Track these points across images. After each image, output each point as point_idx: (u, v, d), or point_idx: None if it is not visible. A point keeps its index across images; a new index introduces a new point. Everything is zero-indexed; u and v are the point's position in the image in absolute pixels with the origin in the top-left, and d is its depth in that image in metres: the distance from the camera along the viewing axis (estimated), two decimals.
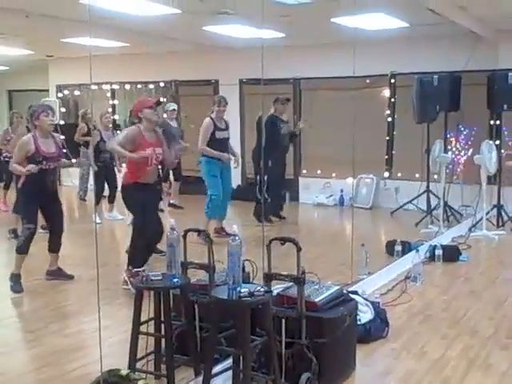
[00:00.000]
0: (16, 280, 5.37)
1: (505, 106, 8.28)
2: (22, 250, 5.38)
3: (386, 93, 10.17)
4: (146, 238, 5.27)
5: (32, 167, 5.21)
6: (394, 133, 10.12)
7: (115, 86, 12.36)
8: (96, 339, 3.30)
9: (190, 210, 8.84)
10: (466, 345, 4.23)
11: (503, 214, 8.40)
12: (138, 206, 5.25)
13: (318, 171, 10.61)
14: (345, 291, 4.13)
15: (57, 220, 5.68)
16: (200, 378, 3.24)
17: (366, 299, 4.50)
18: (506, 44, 8.86)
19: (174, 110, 9.22)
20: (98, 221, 8.16)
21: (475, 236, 7.69)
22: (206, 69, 10.89)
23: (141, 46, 10.32)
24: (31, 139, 5.37)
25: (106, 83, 12.12)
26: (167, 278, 3.44)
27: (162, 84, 11.79)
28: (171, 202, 9.53)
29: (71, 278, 5.74)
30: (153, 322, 3.52)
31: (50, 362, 3.88)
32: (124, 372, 3.16)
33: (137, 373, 3.29)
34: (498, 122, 8.93)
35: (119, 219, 8.58)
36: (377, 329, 4.31)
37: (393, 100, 10.11)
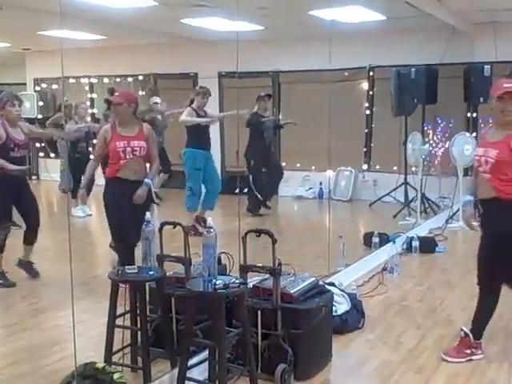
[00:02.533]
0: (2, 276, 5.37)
1: (481, 99, 8.34)
2: (2, 249, 5.37)
3: (365, 85, 10.21)
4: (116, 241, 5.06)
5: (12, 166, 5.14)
6: (373, 125, 10.17)
7: (93, 80, 12.26)
8: (72, 333, 3.29)
9: (171, 204, 8.81)
10: (440, 334, 4.29)
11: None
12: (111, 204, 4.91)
13: (298, 164, 10.63)
14: (321, 283, 4.16)
15: (32, 214, 5.54)
16: (176, 370, 3.25)
17: (342, 290, 4.54)
18: (482, 37, 8.94)
19: (156, 103, 9.19)
20: (80, 214, 8.11)
21: (452, 228, 7.77)
22: (184, 62, 10.84)
23: (118, 39, 10.25)
24: (0, 127, 5.27)
25: (84, 77, 12.02)
26: (143, 271, 3.44)
27: (140, 77, 11.72)
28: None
29: (36, 275, 5.54)
30: (129, 315, 3.53)
31: (25, 356, 3.86)
32: (100, 365, 3.15)
33: (113, 366, 3.29)
34: (474, 115, 9.02)
35: (88, 214, 8.45)
36: (353, 320, 4.34)
37: (371, 93, 10.15)
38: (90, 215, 8.38)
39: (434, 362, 3.84)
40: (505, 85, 3.63)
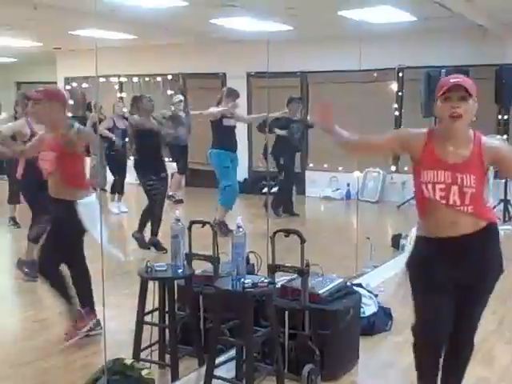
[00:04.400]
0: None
1: None
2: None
3: (394, 86, 10.14)
4: None
5: None
6: (402, 126, 10.09)
7: (123, 79, 12.38)
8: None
9: (198, 203, 8.86)
10: None
11: (510, 208, 8.38)
12: None
13: (325, 165, 10.60)
14: (349, 284, 4.15)
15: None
16: (203, 368, 3.27)
17: (370, 292, 4.52)
18: None
19: (180, 101, 9.24)
20: (116, 211, 8.24)
21: None
22: (213, 61, 10.89)
23: (148, 39, 10.33)
24: (26, 125, 5.25)
25: (114, 76, 12.14)
26: (172, 269, 3.46)
27: (169, 77, 11.81)
28: (170, 193, 9.58)
29: (34, 279, 4.91)
30: (157, 312, 3.56)
31: (56, 351, 3.92)
32: (128, 361, 3.19)
33: (141, 362, 3.32)
34: (505, 117, 8.90)
35: (124, 211, 8.58)
36: (380, 322, 4.33)
37: (400, 94, 10.08)
38: (126, 212, 8.49)
39: None
40: (451, 80, 2.70)
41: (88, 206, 3.89)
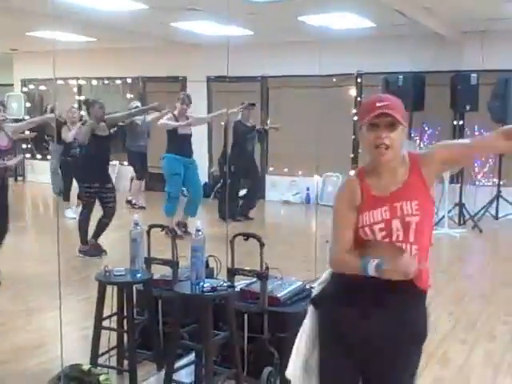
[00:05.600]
0: None
1: (467, 107, 8.46)
2: None
3: (353, 92, 10.27)
4: None
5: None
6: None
7: (82, 82, 12.24)
8: (58, 335, 3.28)
9: (158, 207, 8.79)
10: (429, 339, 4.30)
11: (465, 212, 8.57)
12: None
13: (285, 169, 10.67)
14: (308, 287, 4.18)
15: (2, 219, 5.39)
16: (162, 373, 3.25)
17: None
18: (470, 46, 9.04)
19: (136, 107, 9.17)
20: (72, 215, 8.11)
21: (437, 234, 7.82)
22: (173, 65, 10.87)
23: (108, 41, 10.25)
24: None
25: (73, 78, 12.00)
26: (130, 274, 3.44)
27: (129, 80, 11.73)
28: (129, 198, 9.51)
29: None
30: (116, 317, 3.53)
31: (11, 357, 3.85)
32: (86, 367, 3.16)
33: (99, 368, 3.29)
34: (461, 122, 9.11)
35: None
36: None
37: (359, 99, 10.21)
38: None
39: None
40: (377, 104, 2.14)
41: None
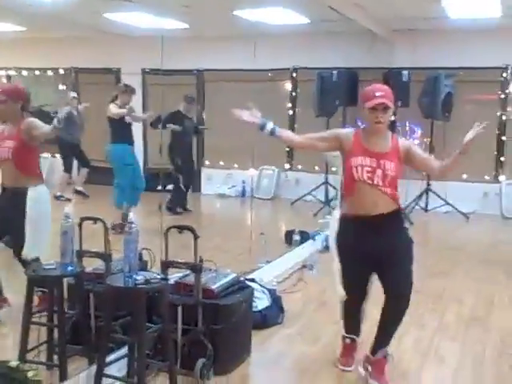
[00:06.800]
0: None
1: (399, 103, 8.64)
2: None
3: (288, 86, 10.36)
4: None
5: None
6: (295, 126, 10.33)
7: (11, 72, 11.84)
8: None
9: (95, 200, 8.64)
10: None
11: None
12: None
13: (221, 162, 10.68)
14: (242, 279, 4.20)
15: None
16: (94, 367, 3.20)
17: (262, 286, 4.60)
18: (401, 43, 9.27)
19: (74, 97, 8.99)
20: None
21: None
22: (107, 56, 10.65)
23: (39, 31, 9.95)
24: None
25: (1, 69, 11.60)
26: (61, 267, 3.37)
27: (61, 71, 11.43)
28: (78, 189, 9.30)
29: None
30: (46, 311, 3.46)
31: None
32: (13, 363, 3.07)
33: (28, 364, 3.20)
34: (392, 118, 9.30)
35: None
36: (273, 315, 4.42)
37: (294, 94, 10.32)
38: None
39: None
40: (376, 93, 3.34)
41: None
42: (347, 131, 3.54)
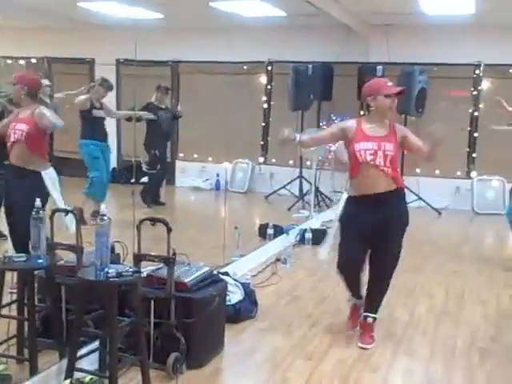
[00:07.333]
0: None
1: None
2: None
3: (263, 80, 10.35)
4: None
5: None
6: (270, 119, 10.33)
7: None
8: None
9: (67, 192, 8.52)
10: (329, 323, 4.45)
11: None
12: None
13: (195, 155, 10.64)
14: (215, 272, 4.19)
15: None
16: (65, 361, 3.17)
17: (236, 280, 4.59)
18: (376, 38, 9.31)
19: (47, 85, 8.83)
20: None
21: None
22: (80, 46, 10.50)
23: (11, 19, 9.77)
24: None
25: None
26: (31, 260, 3.32)
27: (33, 60, 11.25)
28: None
29: None
30: (16, 304, 3.41)
31: None
32: None
33: None
34: (367, 113, 9.35)
35: None
36: (246, 309, 4.41)
37: (269, 87, 10.31)
38: None
39: (324, 348, 3.98)
40: (389, 83, 3.94)
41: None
42: (350, 122, 4.02)
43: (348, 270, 4.08)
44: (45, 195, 4.22)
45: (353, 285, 4.19)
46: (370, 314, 4.09)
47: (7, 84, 5.50)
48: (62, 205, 4.30)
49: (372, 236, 3.89)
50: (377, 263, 4.00)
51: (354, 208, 3.97)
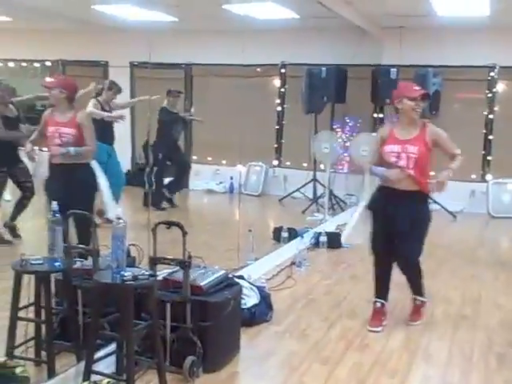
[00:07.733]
0: None
1: (387, 100, 8.63)
2: None
3: (277, 82, 10.34)
4: None
5: None
6: (284, 122, 10.32)
7: None
8: None
9: None
10: (345, 326, 4.42)
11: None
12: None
13: (209, 158, 10.64)
14: (230, 276, 4.18)
15: None
16: (82, 364, 3.17)
17: (251, 284, 4.58)
18: (390, 41, 9.27)
19: None
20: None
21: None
22: (95, 49, 10.55)
23: (25, 22, 9.83)
24: None
25: None
26: (48, 262, 3.33)
27: (48, 63, 11.32)
28: None
29: None
30: (33, 307, 3.42)
31: None
32: (1, 359, 3.03)
33: (15, 360, 3.16)
34: (381, 115, 9.34)
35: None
36: (261, 312, 4.40)
37: (283, 90, 10.30)
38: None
39: (339, 352, 3.96)
40: (415, 87, 4.23)
41: None
42: (385, 128, 4.42)
43: (379, 257, 4.36)
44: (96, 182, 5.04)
45: (382, 281, 4.41)
46: (417, 297, 4.50)
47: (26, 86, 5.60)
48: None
49: (394, 225, 4.16)
50: (397, 257, 4.30)
51: (380, 195, 4.34)
